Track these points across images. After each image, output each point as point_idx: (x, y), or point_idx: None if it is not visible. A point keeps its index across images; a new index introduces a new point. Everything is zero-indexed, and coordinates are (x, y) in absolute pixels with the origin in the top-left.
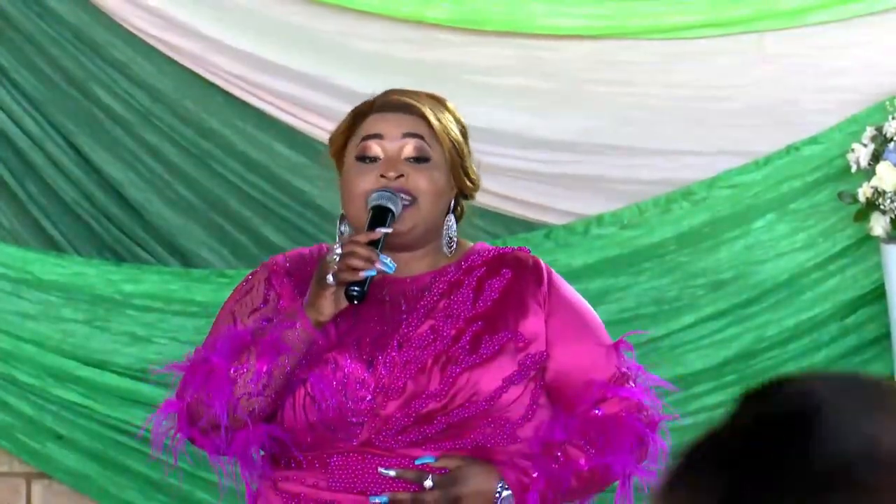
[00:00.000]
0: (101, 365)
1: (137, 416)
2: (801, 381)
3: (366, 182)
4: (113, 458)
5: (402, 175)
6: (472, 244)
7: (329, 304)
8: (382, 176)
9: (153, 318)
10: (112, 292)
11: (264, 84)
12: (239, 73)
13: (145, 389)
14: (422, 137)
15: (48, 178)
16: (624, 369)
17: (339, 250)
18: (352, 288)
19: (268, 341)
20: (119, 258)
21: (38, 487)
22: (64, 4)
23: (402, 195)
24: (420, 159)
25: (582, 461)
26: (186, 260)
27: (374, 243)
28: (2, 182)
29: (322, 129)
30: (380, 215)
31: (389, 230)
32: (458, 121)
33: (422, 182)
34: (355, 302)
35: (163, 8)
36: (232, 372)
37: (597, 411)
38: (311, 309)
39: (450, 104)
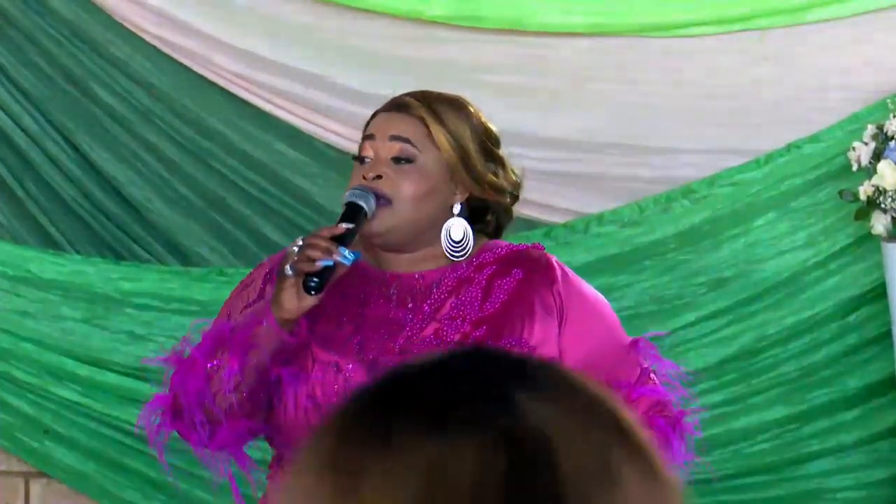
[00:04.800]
0: (99, 363)
1: (136, 414)
2: None
3: (354, 181)
4: (111, 457)
5: (379, 176)
6: (485, 240)
7: (290, 298)
8: (364, 177)
9: (152, 316)
10: (111, 291)
11: (264, 82)
12: (239, 71)
13: (144, 388)
14: (407, 140)
15: (47, 177)
16: (644, 364)
17: (300, 242)
18: (310, 279)
19: (239, 338)
20: (118, 256)
21: (36, 486)
22: (63, 2)
23: (379, 196)
24: (402, 160)
25: None
26: (186, 258)
27: (339, 238)
28: (0, 180)
29: (322, 127)
30: (351, 212)
31: (352, 226)
32: (474, 126)
33: (399, 184)
34: (312, 293)
35: (162, 6)
36: (208, 367)
37: None
38: (275, 305)
39: (471, 108)
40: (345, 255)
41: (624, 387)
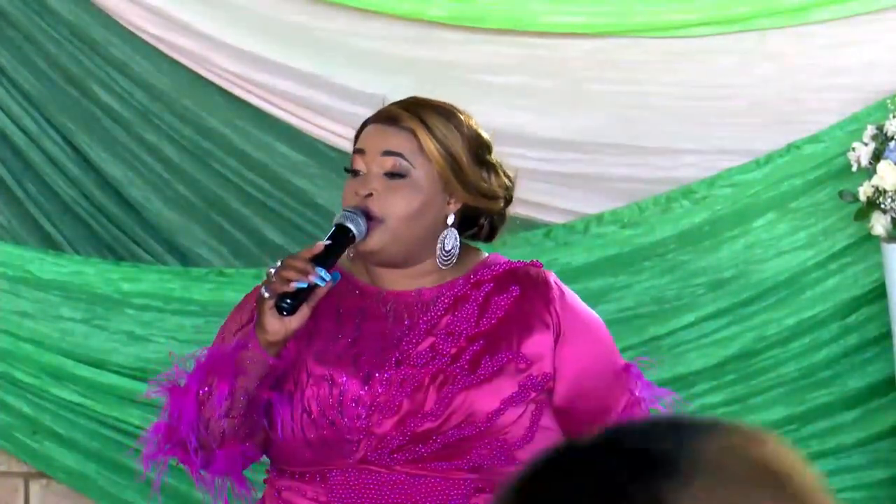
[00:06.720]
0: (99, 364)
1: (136, 415)
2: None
3: (347, 196)
4: (111, 458)
5: (370, 194)
6: (484, 255)
7: (273, 321)
8: (357, 193)
9: (152, 317)
10: (110, 291)
11: (264, 83)
12: (238, 71)
13: (144, 389)
14: (399, 155)
15: (47, 177)
16: (636, 392)
17: (278, 264)
18: (283, 300)
19: (227, 362)
20: (118, 257)
21: (36, 487)
22: (63, 3)
23: (370, 217)
24: (394, 175)
25: None
26: (185, 259)
27: (318, 259)
28: (0, 181)
29: (321, 127)
30: (338, 233)
31: (329, 243)
32: (465, 134)
33: (391, 201)
34: (284, 314)
35: (162, 6)
36: (200, 394)
37: None
38: (258, 329)
39: (461, 115)
40: (321, 276)
41: (613, 411)
